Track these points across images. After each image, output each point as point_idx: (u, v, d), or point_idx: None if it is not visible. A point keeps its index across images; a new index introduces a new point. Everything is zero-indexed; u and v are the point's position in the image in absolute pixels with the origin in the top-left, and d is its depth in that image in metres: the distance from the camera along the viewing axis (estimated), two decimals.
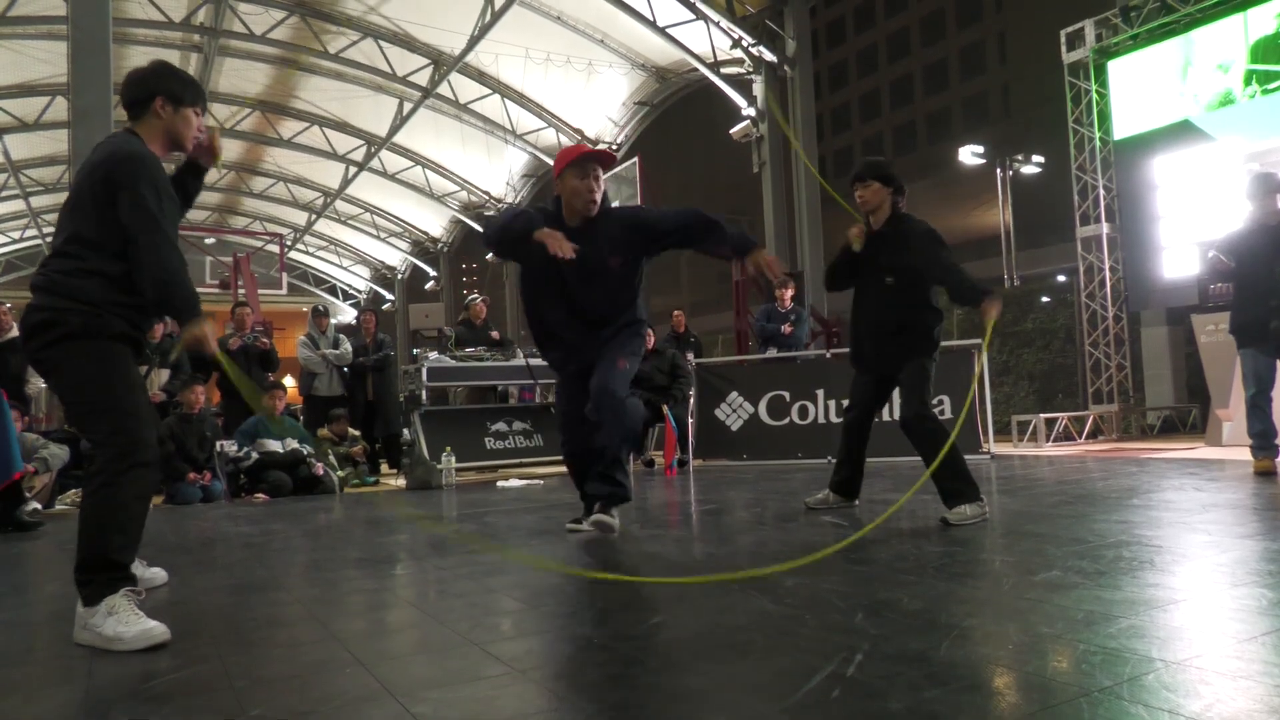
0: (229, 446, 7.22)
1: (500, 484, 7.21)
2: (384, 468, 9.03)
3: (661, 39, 13.76)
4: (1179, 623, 2.03)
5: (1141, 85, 10.53)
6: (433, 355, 8.10)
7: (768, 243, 13.30)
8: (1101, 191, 11.03)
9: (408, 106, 17.20)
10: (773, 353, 8.98)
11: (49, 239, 2.96)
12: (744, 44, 13.11)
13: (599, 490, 3.73)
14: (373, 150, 19.42)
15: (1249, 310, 5.30)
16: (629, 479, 3.73)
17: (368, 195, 23.13)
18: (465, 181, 20.98)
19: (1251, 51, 9.39)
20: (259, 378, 8.13)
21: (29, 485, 5.92)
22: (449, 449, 7.38)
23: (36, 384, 7.41)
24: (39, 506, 5.68)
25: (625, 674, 1.83)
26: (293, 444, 7.31)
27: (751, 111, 13.37)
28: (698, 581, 2.73)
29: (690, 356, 8.79)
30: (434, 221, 24.41)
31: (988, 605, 2.29)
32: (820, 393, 8.09)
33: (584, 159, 3.55)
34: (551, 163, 18.93)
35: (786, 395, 8.24)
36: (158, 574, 3.10)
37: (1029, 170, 16.18)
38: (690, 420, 8.22)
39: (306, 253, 28.69)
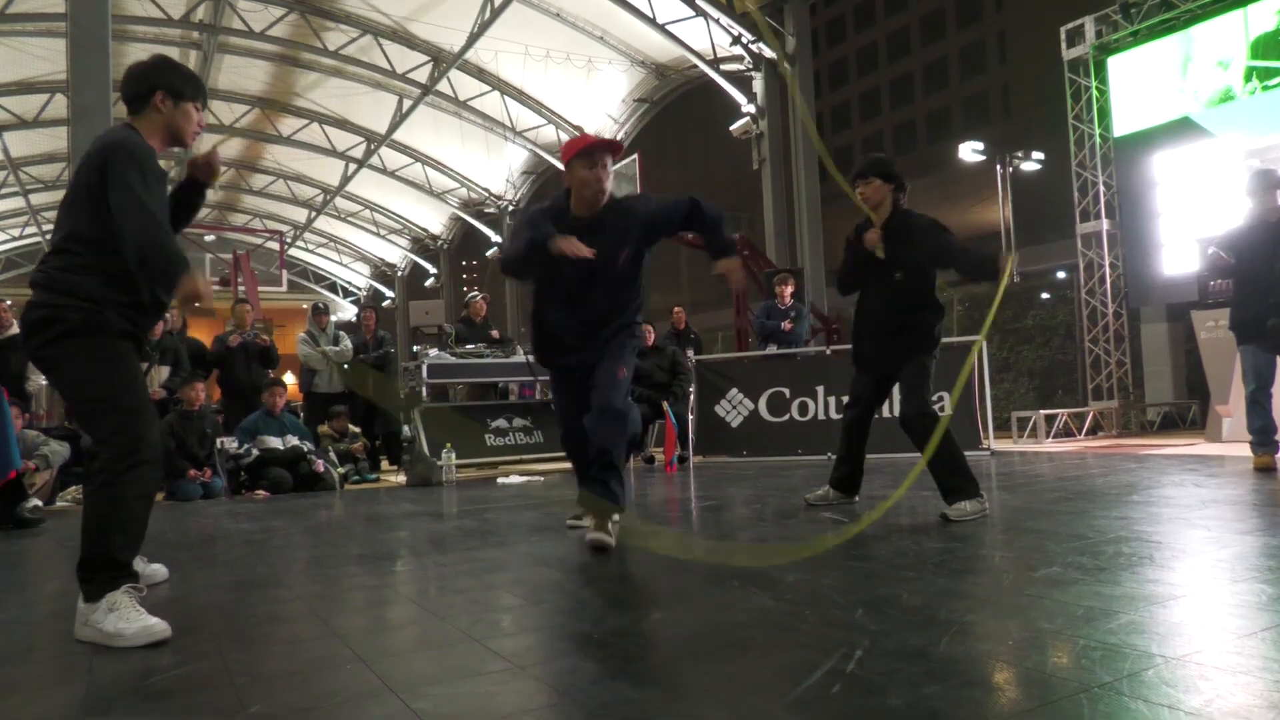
0: (229, 443, 7.23)
1: (500, 480, 7.21)
2: (384, 464, 9.04)
3: (661, 35, 13.75)
4: (1179, 618, 2.03)
5: (1142, 82, 10.53)
6: (433, 352, 8.11)
7: (767, 240, 13.32)
8: (1101, 188, 11.03)
9: (407, 103, 17.19)
10: (773, 349, 8.98)
11: (48, 236, 2.94)
12: (744, 41, 13.09)
13: (590, 500, 3.51)
14: (372, 147, 19.41)
15: (1249, 307, 5.30)
16: (624, 487, 3.56)
17: (367, 192, 23.13)
18: (465, 178, 20.98)
19: (1252, 48, 9.38)
20: (259, 375, 8.13)
21: (30, 482, 5.93)
22: (449, 445, 7.38)
23: (37, 381, 7.42)
24: (40, 503, 5.68)
25: (625, 670, 1.83)
26: (293, 441, 7.32)
27: (751, 108, 13.36)
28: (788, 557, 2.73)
29: (690, 353, 8.79)
30: (434, 218, 24.41)
31: (987, 601, 2.30)
32: (820, 389, 8.10)
33: (592, 148, 3.50)
34: (551, 160, 18.98)
35: (786, 392, 8.25)
36: (158, 570, 3.10)
37: (1029, 167, 16.17)
38: (690, 417, 8.23)
39: (306, 250, 28.70)
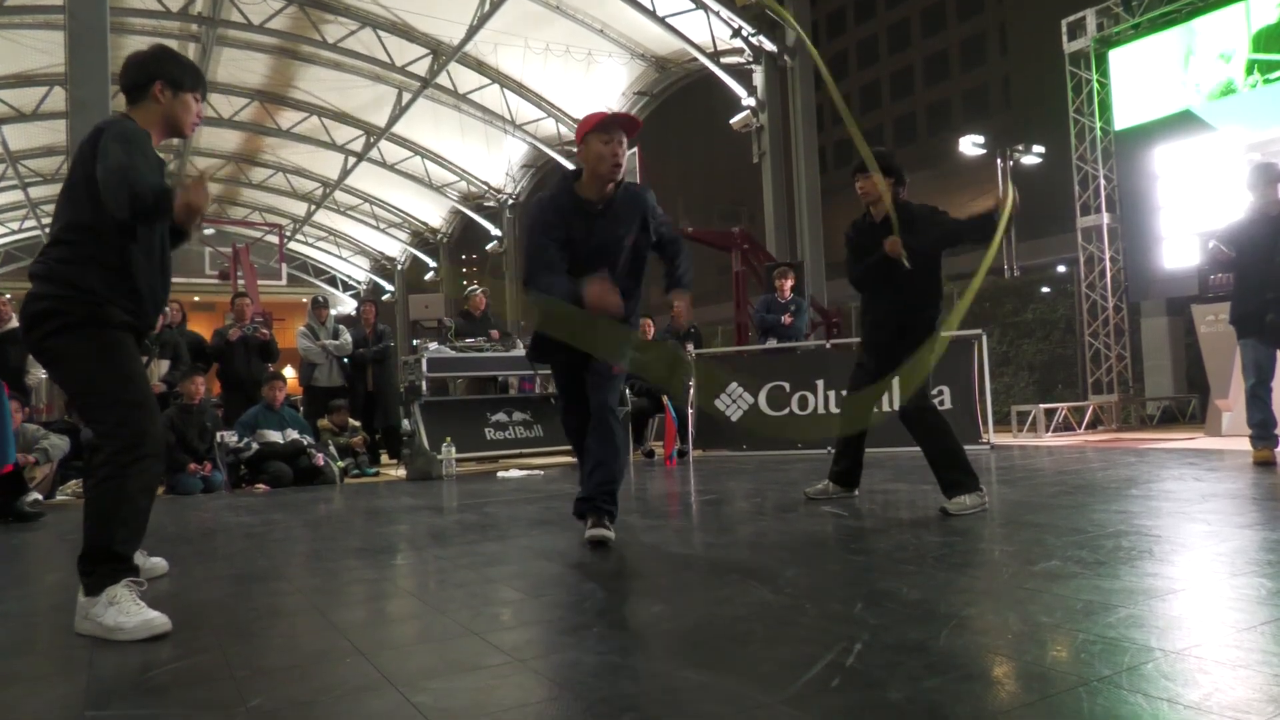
0: (229, 437, 7.23)
1: (500, 474, 7.22)
2: (384, 458, 9.05)
3: (661, 28, 13.70)
4: (1178, 612, 2.03)
5: (1143, 75, 10.49)
6: (433, 346, 8.10)
7: (768, 233, 13.31)
8: (1102, 181, 11.00)
9: (406, 96, 17.14)
10: (772, 343, 8.98)
11: (48, 229, 2.92)
12: (744, 33, 13.06)
13: (586, 505, 3.46)
14: (372, 140, 19.36)
15: (1249, 301, 5.30)
16: (616, 505, 3.45)
17: (367, 186, 23.08)
18: (464, 172, 20.94)
19: (1253, 41, 9.35)
20: (259, 368, 8.14)
21: (30, 476, 5.93)
22: (449, 439, 7.39)
23: (37, 374, 7.41)
24: (40, 497, 5.69)
25: (625, 664, 1.83)
26: (293, 434, 7.32)
27: (752, 101, 13.33)
28: None
29: (690, 347, 8.79)
30: (433, 212, 24.37)
31: (987, 595, 2.30)
32: (820, 383, 8.09)
33: (607, 123, 3.41)
34: (551, 153, 18.90)
35: (786, 386, 8.24)
36: (159, 564, 3.11)
37: (1029, 160, 16.17)
38: (690, 411, 8.23)
39: (306, 243, 28.64)
